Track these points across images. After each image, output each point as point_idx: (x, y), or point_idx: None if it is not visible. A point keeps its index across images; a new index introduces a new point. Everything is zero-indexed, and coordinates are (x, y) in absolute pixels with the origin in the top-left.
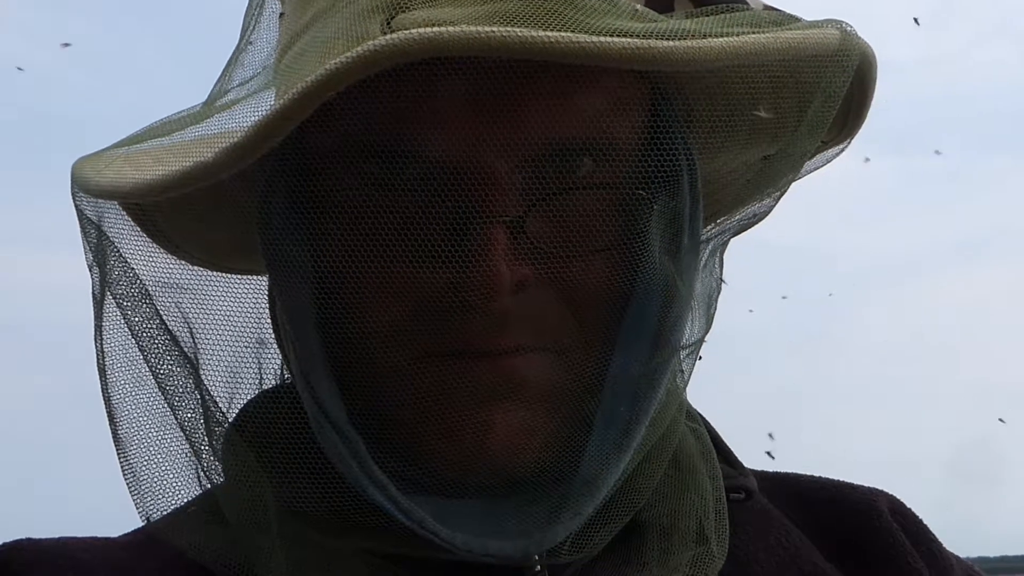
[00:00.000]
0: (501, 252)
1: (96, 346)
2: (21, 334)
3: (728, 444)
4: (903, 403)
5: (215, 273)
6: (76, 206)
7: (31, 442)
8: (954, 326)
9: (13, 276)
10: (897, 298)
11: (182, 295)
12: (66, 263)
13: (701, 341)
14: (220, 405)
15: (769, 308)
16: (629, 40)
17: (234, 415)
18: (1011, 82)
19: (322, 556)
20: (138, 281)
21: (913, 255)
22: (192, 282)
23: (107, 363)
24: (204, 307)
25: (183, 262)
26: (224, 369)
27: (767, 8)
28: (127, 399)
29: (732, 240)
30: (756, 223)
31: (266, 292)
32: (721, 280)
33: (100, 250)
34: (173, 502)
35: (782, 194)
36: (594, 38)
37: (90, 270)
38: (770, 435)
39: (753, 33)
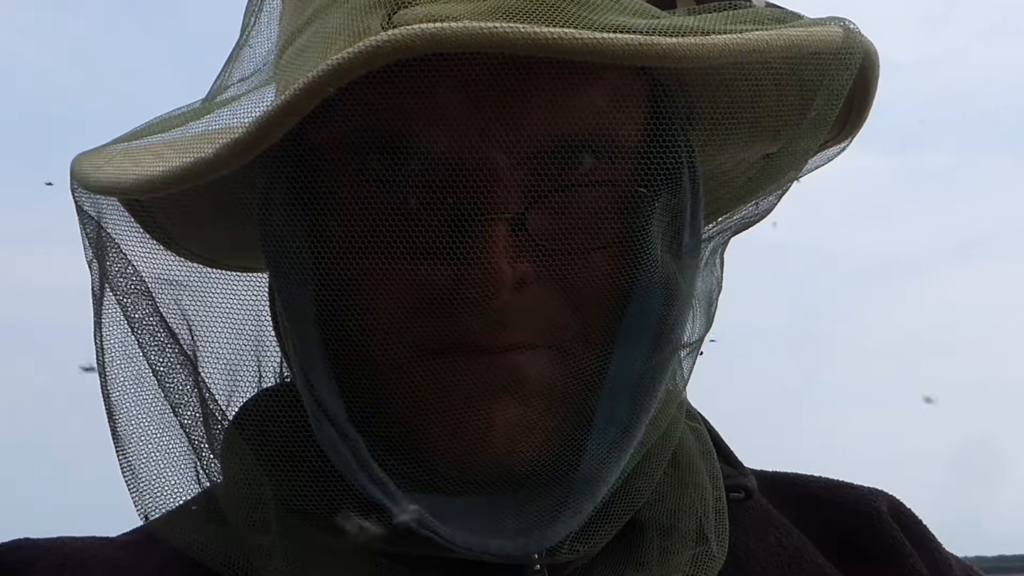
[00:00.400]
0: (502, 248)
1: (95, 343)
2: (20, 333)
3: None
4: (900, 402)
5: (215, 270)
6: (75, 202)
7: (30, 441)
8: (953, 325)
9: (13, 276)
10: (896, 297)
11: (181, 292)
12: (67, 261)
13: (701, 340)
14: (219, 403)
15: (768, 308)
16: (632, 36)
17: (233, 413)
18: (1012, 82)
19: (322, 555)
20: (137, 277)
21: (912, 254)
22: (192, 279)
23: (106, 360)
24: (204, 304)
25: (182, 259)
26: (223, 366)
27: (770, 5)
28: (126, 396)
29: (733, 239)
30: (757, 222)
31: (266, 289)
32: (722, 279)
33: (99, 246)
34: (172, 501)
35: (784, 193)
36: (597, 34)
37: (89, 266)
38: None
39: (756, 30)
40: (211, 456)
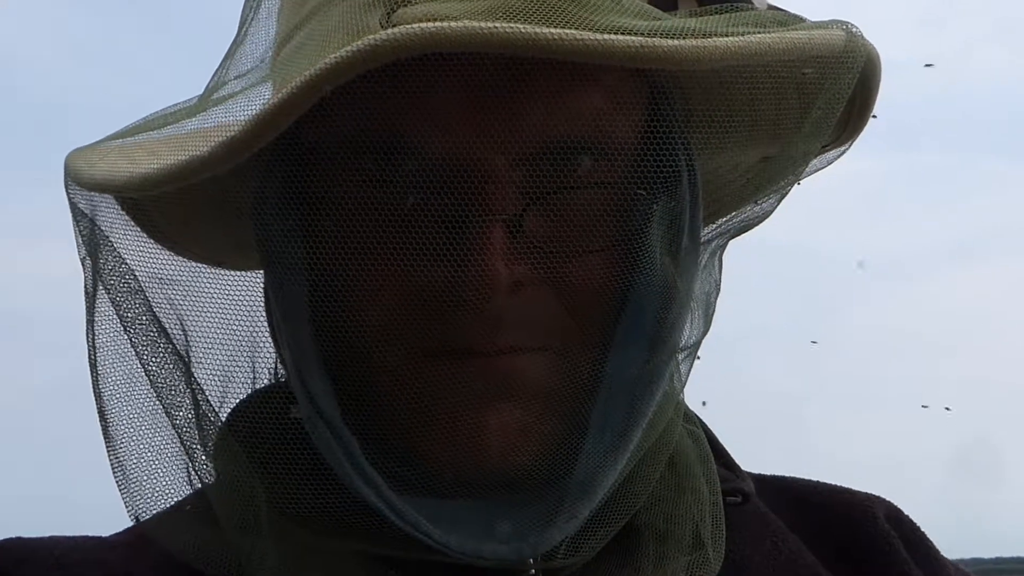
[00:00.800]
0: (498, 250)
1: (88, 341)
2: (19, 328)
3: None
4: (898, 403)
5: (210, 268)
6: (69, 199)
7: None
8: (952, 324)
9: (13, 270)
10: (895, 296)
11: (175, 290)
12: (65, 257)
13: (699, 343)
14: (213, 403)
15: (767, 308)
16: (633, 39)
17: (227, 413)
18: (1008, 83)
19: (315, 559)
20: (131, 275)
21: (911, 254)
22: (186, 277)
23: (98, 358)
24: (198, 303)
25: (178, 257)
26: (217, 366)
27: (771, 8)
28: (118, 395)
29: (731, 240)
30: (757, 225)
31: (261, 289)
32: (720, 281)
33: (93, 244)
34: (163, 502)
35: (783, 196)
36: (598, 36)
37: (82, 264)
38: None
39: (758, 33)
40: (204, 457)
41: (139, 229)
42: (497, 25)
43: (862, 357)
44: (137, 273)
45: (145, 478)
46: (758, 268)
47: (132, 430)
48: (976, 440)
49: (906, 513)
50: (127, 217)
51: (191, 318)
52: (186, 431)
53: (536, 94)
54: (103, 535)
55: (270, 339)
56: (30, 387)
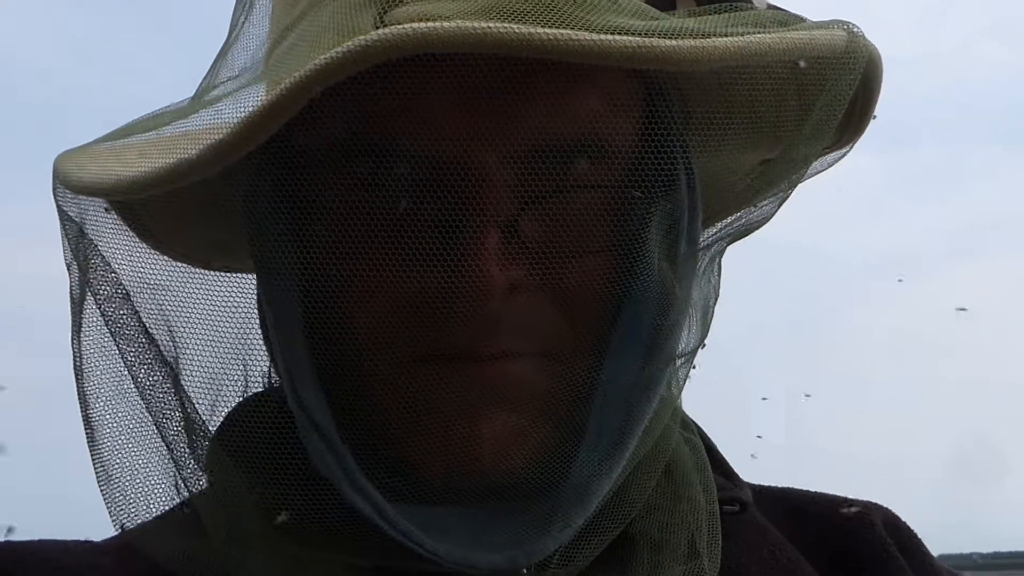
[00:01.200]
0: (493, 254)
1: (73, 348)
2: (19, 328)
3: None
4: (894, 401)
5: (201, 272)
6: (56, 202)
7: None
8: (952, 321)
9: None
10: (895, 294)
11: (165, 294)
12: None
13: (696, 349)
14: (202, 410)
15: (766, 308)
16: (631, 39)
17: (218, 420)
18: (1008, 78)
19: (304, 569)
20: (119, 280)
21: (909, 251)
22: (177, 281)
23: (84, 364)
24: (189, 308)
25: (167, 259)
26: (208, 371)
27: (771, 7)
28: (105, 402)
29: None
30: (756, 229)
31: (254, 292)
32: (719, 286)
33: (80, 248)
34: (150, 511)
35: (784, 199)
36: (594, 36)
37: (68, 269)
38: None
39: (757, 33)
40: (193, 465)
41: (129, 232)
42: (491, 25)
43: (861, 356)
44: (125, 277)
45: (131, 487)
46: (754, 267)
47: (119, 437)
48: (976, 438)
49: (903, 520)
50: (117, 220)
51: (181, 323)
52: (174, 438)
53: (531, 95)
54: (95, 540)
55: (263, 344)
56: (30, 387)
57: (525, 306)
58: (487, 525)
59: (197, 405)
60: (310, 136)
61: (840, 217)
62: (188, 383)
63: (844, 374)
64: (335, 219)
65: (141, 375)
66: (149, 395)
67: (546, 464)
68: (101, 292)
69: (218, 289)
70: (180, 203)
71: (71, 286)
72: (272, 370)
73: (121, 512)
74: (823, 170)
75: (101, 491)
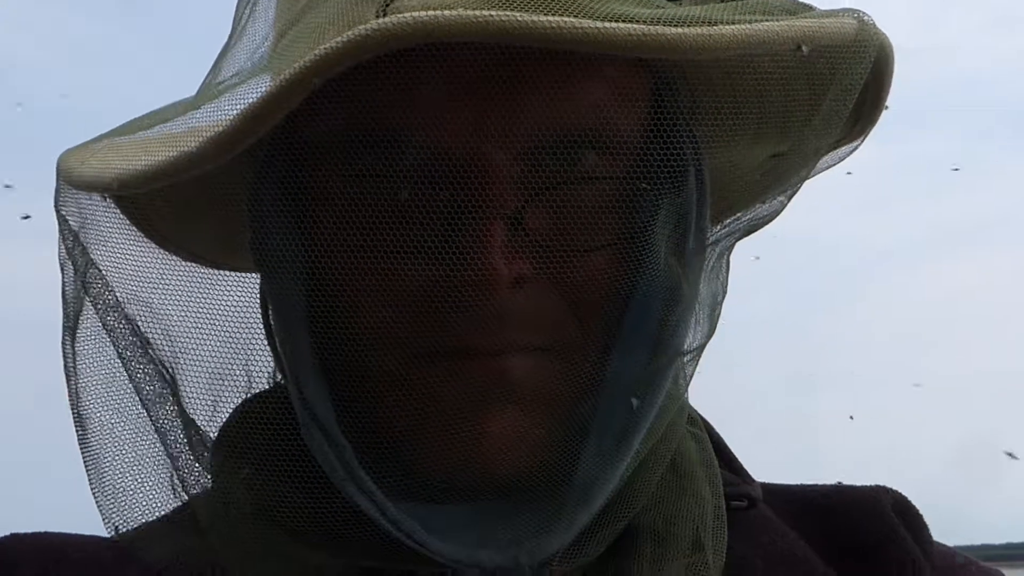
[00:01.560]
0: (498, 247)
1: (65, 347)
2: (19, 331)
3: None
4: (899, 396)
5: (204, 268)
6: (55, 199)
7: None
8: (953, 317)
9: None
10: (896, 287)
11: (166, 292)
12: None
13: (703, 346)
14: (202, 411)
15: (767, 301)
16: (635, 26)
17: (220, 419)
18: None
19: (305, 570)
20: (117, 278)
21: (911, 244)
22: (177, 278)
23: (78, 363)
24: (189, 305)
25: (167, 255)
26: (208, 370)
27: None
28: (99, 403)
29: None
30: (765, 224)
31: (257, 289)
32: (727, 283)
33: (77, 244)
34: (146, 514)
35: (793, 194)
36: (598, 24)
37: (62, 268)
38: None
39: (765, 21)
40: (191, 466)
41: (131, 227)
42: (493, 13)
43: (862, 348)
44: (124, 274)
45: (128, 489)
46: (755, 258)
47: (113, 438)
48: (982, 428)
49: (911, 502)
50: (119, 215)
51: (180, 320)
52: (172, 439)
53: (535, 85)
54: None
55: (265, 341)
56: (31, 387)
57: (531, 300)
58: (491, 524)
59: (197, 405)
60: (313, 127)
61: (840, 208)
62: (188, 383)
63: (845, 367)
64: (338, 212)
65: (138, 375)
66: (146, 395)
67: (551, 462)
68: (97, 290)
69: (219, 286)
70: (184, 198)
71: (64, 285)
72: (275, 368)
73: (114, 514)
74: (834, 164)
75: (93, 493)
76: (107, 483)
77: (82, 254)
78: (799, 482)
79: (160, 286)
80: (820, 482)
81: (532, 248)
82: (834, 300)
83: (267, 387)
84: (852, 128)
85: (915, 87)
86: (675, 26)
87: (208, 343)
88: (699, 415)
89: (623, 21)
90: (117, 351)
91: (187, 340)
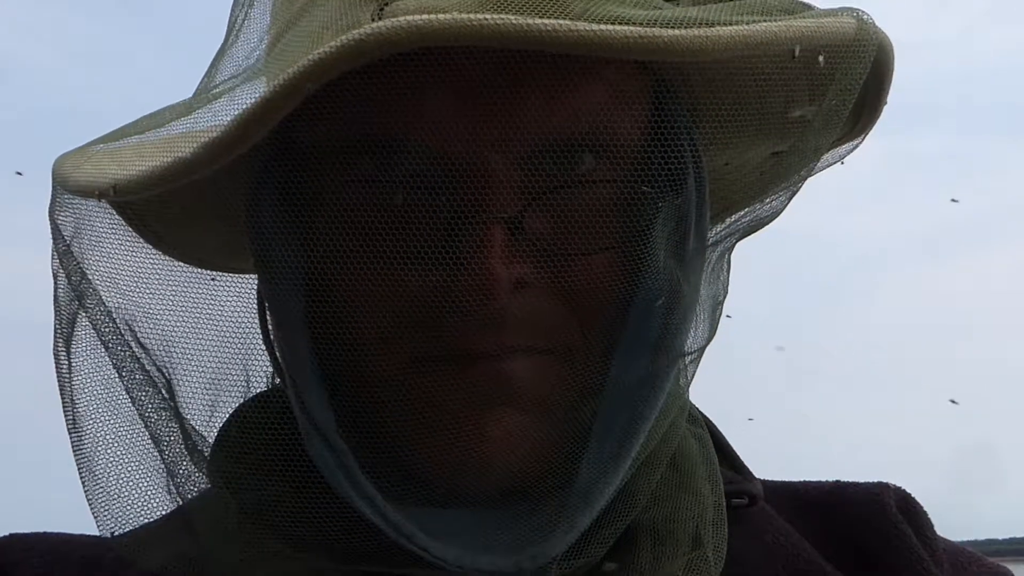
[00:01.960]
0: (497, 252)
1: (59, 354)
2: (20, 332)
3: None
4: (900, 392)
5: (201, 272)
6: (49, 206)
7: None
8: (954, 313)
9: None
10: (899, 284)
11: (161, 296)
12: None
13: (704, 348)
14: (200, 415)
15: (769, 298)
16: (632, 29)
17: (217, 423)
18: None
19: (306, 574)
20: (113, 283)
21: (913, 241)
22: (174, 282)
23: (73, 371)
24: (188, 308)
25: (165, 258)
26: (204, 376)
27: None
28: (94, 408)
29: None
30: (766, 224)
31: (254, 293)
32: (728, 283)
33: (71, 252)
34: (141, 518)
35: (794, 193)
36: (594, 26)
37: (54, 276)
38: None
39: (764, 21)
40: (187, 470)
41: (126, 229)
42: (487, 17)
43: (865, 343)
44: (120, 278)
45: (123, 493)
46: (759, 255)
47: (107, 442)
48: (986, 425)
49: (915, 498)
50: (116, 219)
51: (179, 323)
52: (168, 443)
53: (533, 89)
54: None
55: (263, 345)
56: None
57: (530, 303)
58: (493, 528)
59: (194, 409)
60: (309, 132)
61: (845, 204)
62: (184, 386)
63: (848, 362)
64: (336, 217)
65: (133, 379)
66: (141, 399)
67: (552, 466)
68: (91, 295)
69: (217, 289)
70: (180, 202)
71: (56, 291)
72: (273, 372)
73: (108, 519)
74: (835, 162)
75: (87, 496)
76: (101, 488)
77: (75, 261)
78: (800, 479)
79: (156, 289)
80: (821, 478)
81: (531, 252)
82: (834, 299)
83: (264, 389)
84: (853, 127)
85: (921, 80)
86: (672, 28)
87: (205, 346)
88: (701, 413)
89: (619, 23)
90: (111, 356)
91: (184, 343)
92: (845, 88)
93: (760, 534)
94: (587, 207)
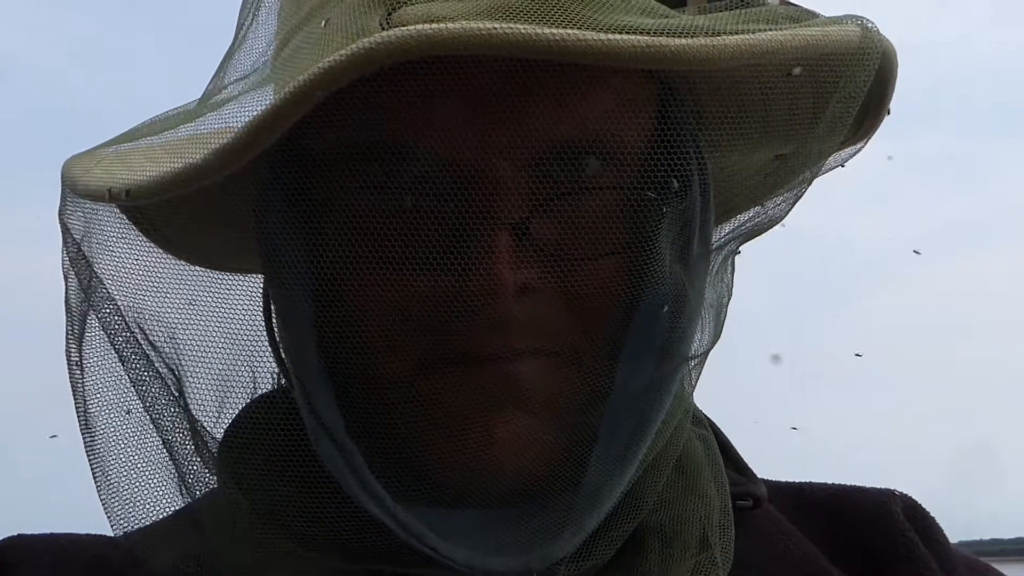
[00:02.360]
0: (504, 257)
1: (71, 355)
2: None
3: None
4: (901, 390)
5: (210, 273)
6: (59, 208)
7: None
8: (956, 311)
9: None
10: (901, 284)
11: (171, 298)
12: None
13: (709, 351)
14: (208, 415)
15: (773, 294)
16: (639, 38)
17: (225, 423)
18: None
19: (313, 574)
20: (123, 284)
21: (918, 238)
22: (182, 284)
23: (85, 372)
24: (197, 309)
25: (174, 260)
26: (213, 376)
27: (784, 3)
28: (106, 409)
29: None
30: (770, 227)
31: (261, 294)
32: (732, 285)
33: (81, 253)
34: (152, 516)
35: (798, 198)
36: (602, 36)
37: (65, 277)
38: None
39: (770, 30)
40: (198, 469)
41: (135, 232)
42: (496, 26)
43: (865, 343)
44: (130, 280)
45: (134, 492)
46: (763, 253)
47: (120, 443)
48: (990, 424)
49: (922, 506)
50: (125, 221)
51: (188, 323)
52: (179, 443)
53: (540, 96)
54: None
55: (269, 346)
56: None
57: (536, 307)
58: (501, 529)
59: (203, 408)
60: (317, 139)
61: (848, 204)
62: (193, 385)
63: (850, 361)
64: (344, 222)
65: (144, 379)
66: (151, 398)
67: (560, 467)
68: (101, 297)
69: (225, 289)
70: (189, 205)
71: (67, 293)
72: (280, 372)
73: (121, 518)
74: (836, 166)
75: (100, 496)
76: (113, 487)
77: (86, 262)
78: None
79: (166, 290)
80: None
81: (537, 256)
82: (834, 300)
83: (272, 388)
84: (856, 131)
85: (924, 80)
86: (679, 37)
87: (214, 345)
88: (704, 415)
89: (627, 32)
90: (121, 357)
91: (192, 343)
92: (849, 96)
93: (765, 536)
94: (593, 212)
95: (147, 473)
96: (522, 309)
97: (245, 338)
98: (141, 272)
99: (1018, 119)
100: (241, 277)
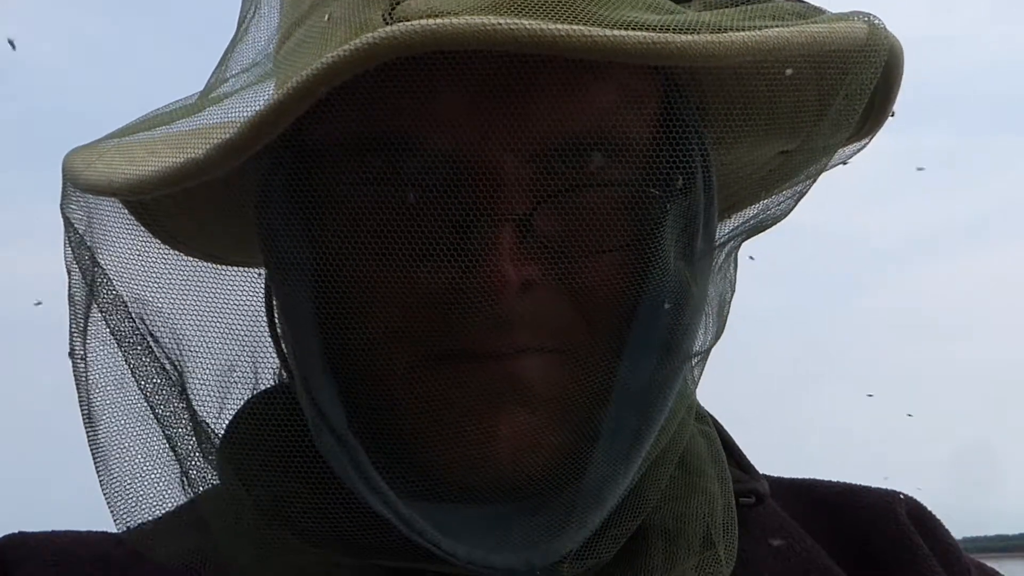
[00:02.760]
0: (507, 252)
1: (75, 350)
2: (22, 333)
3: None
4: (909, 387)
5: (210, 267)
6: (61, 202)
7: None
8: (958, 310)
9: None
10: (904, 280)
11: (173, 292)
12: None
13: (711, 347)
14: (210, 410)
15: (777, 290)
16: (644, 34)
17: (227, 418)
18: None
19: (317, 569)
20: (126, 278)
21: (919, 237)
22: (184, 277)
23: (89, 367)
24: (199, 302)
25: (177, 256)
26: (215, 371)
27: None
28: (109, 404)
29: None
30: (773, 224)
31: (262, 288)
32: (735, 281)
33: (84, 246)
34: (155, 511)
35: (802, 195)
36: (607, 31)
37: (68, 272)
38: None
39: (775, 26)
40: (200, 464)
41: (137, 225)
42: (500, 21)
43: (869, 340)
44: (133, 273)
45: (137, 487)
46: (765, 250)
47: (123, 438)
48: (996, 423)
49: (926, 507)
50: (127, 215)
51: (190, 317)
52: (181, 438)
53: (544, 91)
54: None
55: (271, 341)
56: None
57: (539, 303)
58: (503, 525)
59: (205, 403)
60: (320, 132)
61: (851, 200)
62: (195, 380)
63: (853, 358)
64: (347, 215)
65: (146, 373)
66: (154, 393)
67: (563, 464)
68: (104, 291)
69: (227, 282)
70: (191, 199)
71: (70, 288)
72: (282, 367)
73: (124, 513)
74: (841, 162)
75: (103, 492)
76: (116, 481)
77: (88, 256)
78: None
79: (168, 284)
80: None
81: (540, 252)
82: (835, 296)
83: (274, 383)
84: (860, 128)
85: (927, 77)
86: (685, 33)
87: (216, 339)
88: (707, 412)
89: (632, 28)
90: (124, 351)
91: (195, 337)
92: (855, 91)
93: (768, 534)
94: (597, 207)
95: (150, 468)
96: (525, 305)
97: (247, 332)
98: (142, 265)
99: (1018, 118)
100: (243, 270)
